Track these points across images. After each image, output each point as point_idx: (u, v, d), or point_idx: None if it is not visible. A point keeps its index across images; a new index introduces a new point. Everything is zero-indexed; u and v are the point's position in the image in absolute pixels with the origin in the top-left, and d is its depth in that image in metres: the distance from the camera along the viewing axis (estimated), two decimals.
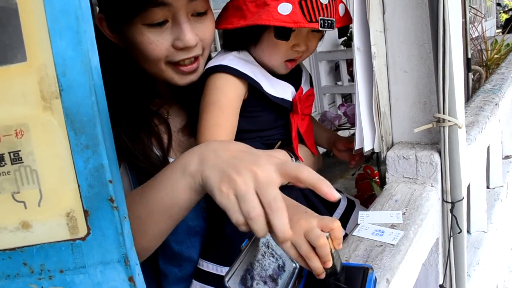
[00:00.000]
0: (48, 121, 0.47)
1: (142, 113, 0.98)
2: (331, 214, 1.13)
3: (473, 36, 2.98)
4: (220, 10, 1.01)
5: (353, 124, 1.52)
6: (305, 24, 0.89)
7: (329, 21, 0.93)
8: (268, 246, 0.64)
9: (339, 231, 0.61)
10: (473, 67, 2.16)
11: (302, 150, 1.07)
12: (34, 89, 0.47)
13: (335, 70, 5.02)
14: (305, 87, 1.09)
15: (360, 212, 0.92)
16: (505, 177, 1.86)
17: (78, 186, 0.48)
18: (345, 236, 1.07)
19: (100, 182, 0.47)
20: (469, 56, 1.92)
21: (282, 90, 1.02)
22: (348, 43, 4.94)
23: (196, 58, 0.93)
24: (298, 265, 0.68)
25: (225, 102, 0.94)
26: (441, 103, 0.92)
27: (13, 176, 0.48)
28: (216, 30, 1.00)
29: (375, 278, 0.67)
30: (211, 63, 0.97)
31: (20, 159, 0.47)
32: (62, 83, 0.46)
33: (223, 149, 0.64)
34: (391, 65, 1.02)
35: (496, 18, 10.59)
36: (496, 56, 2.95)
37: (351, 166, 1.22)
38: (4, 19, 0.46)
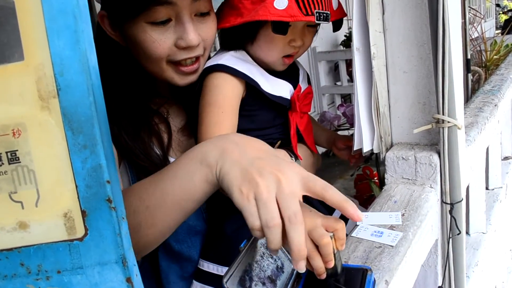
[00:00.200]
0: (45, 121, 0.47)
1: (142, 112, 0.98)
2: (330, 214, 1.13)
3: (473, 37, 2.98)
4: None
5: (352, 125, 1.52)
6: (302, 18, 0.90)
7: (324, 14, 0.94)
8: (266, 247, 0.64)
9: (343, 232, 0.59)
10: (472, 68, 2.16)
11: (301, 150, 1.07)
12: (32, 89, 0.46)
13: (334, 70, 5.02)
14: (303, 85, 1.09)
15: None
16: (504, 178, 1.86)
17: (76, 186, 0.47)
18: None
19: (98, 183, 0.47)
20: (469, 57, 1.92)
21: (280, 88, 1.02)
22: (348, 44, 4.93)
23: (197, 59, 0.94)
24: None
25: (223, 101, 0.94)
26: (441, 104, 0.92)
27: (10, 176, 0.47)
28: None
29: (374, 280, 0.67)
30: (209, 63, 0.97)
31: (17, 159, 0.47)
32: (60, 83, 0.46)
33: (246, 144, 0.62)
34: (390, 65, 1.02)
35: (496, 19, 10.59)
36: (495, 57, 2.95)
37: (351, 164, 1.22)
38: (1, 18, 0.46)
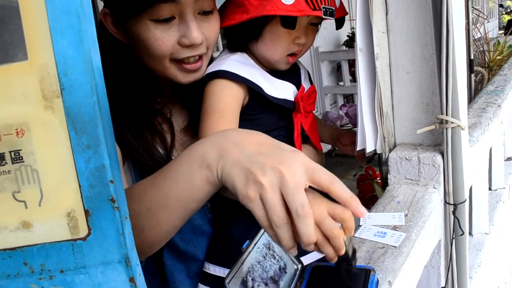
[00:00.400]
0: (49, 121, 0.46)
1: (145, 111, 0.98)
2: None
3: (476, 37, 2.97)
4: None
5: (355, 125, 1.52)
6: (310, 12, 0.91)
7: (330, 10, 0.94)
8: (269, 248, 0.64)
9: (351, 221, 0.58)
10: (475, 68, 2.16)
11: (306, 151, 1.07)
12: (35, 88, 0.46)
13: (337, 70, 5.02)
14: (305, 84, 1.09)
15: None
16: (507, 179, 1.85)
17: (79, 186, 0.47)
18: None
19: (101, 182, 0.47)
20: (472, 57, 1.92)
21: (284, 91, 1.02)
22: (350, 44, 4.93)
23: (200, 57, 0.93)
24: (299, 267, 0.68)
25: (223, 107, 0.94)
26: (444, 104, 0.92)
27: (14, 176, 0.47)
28: None
29: (377, 280, 0.66)
30: (210, 69, 0.96)
31: (20, 158, 0.47)
32: (64, 82, 0.46)
33: (245, 142, 0.60)
34: (394, 65, 1.02)
35: (499, 19, 10.57)
36: (498, 57, 2.94)
37: (356, 158, 1.22)
38: (5, 17, 0.46)
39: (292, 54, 1.01)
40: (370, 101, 1.02)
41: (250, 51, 1.01)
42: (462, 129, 0.93)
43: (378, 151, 1.06)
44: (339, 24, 1.02)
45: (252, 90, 0.97)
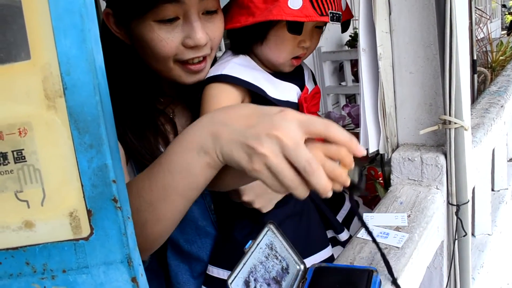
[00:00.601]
0: (51, 120, 0.46)
1: (148, 111, 0.98)
2: (335, 215, 1.13)
3: (478, 38, 2.96)
4: None
5: (357, 125, 1.52)
6: (317, 18, 0.90)
7: (337, 15, 0.93)
8: (271, 248, 0.64)
9: (348, 157, 0.58)
10: (478, 69, 2.15)
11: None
12: (38, 88, 0.46)
13: (339, 70, 5.01)
14: (309, 85, 1.09)
15: (364, 214, 0.92)
16: (510, 180, 1.85)
17: (82, 185, 0.47)
18: (349, 238, 1.07)
19: (103, 182, 0.47)
20: (475, 57, 1.91)
21: (287, 92, 1.01)
22: (352, 44, 4.92)
23: (204, 58, 0.93)
24: (302, 267, 0.68)
25: None
26: (447, 104, 0.92)
27: (16, 175, 0.47)
28: None
29: (380, 281, 0.66)
30: (212, 72, 0.96)
31: (23, 158, 0.47)
32: (66, 82, 0.46)
33: (232, 119, 0.60)
34: (397, 66, 1.02)
35: (501, 19, 10.55)
36: (501, 58, 2.93)
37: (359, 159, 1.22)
38: (8, 16, 0.46)
39: (296, 57, 1.00)
40: (373, 102, 1.02)
41: (254, 53, 1.01)
42: (465, 129, 0.93)
43: (381, 152, 1.05)
44: (345, 28, 1.02)
45: (255, 93, 0.96)
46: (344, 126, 1.68)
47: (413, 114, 1.03)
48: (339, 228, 1.10)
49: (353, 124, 1.68)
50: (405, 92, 1.03)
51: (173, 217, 0.67)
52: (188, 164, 0.62)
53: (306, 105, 1.03)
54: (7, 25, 0.46)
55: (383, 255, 0.68)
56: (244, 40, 1.00)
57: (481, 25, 3.24)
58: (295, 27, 0.91)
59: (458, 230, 0.99)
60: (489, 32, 3.15)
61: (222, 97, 0.93)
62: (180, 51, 0.88)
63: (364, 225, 0.67)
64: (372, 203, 1.41)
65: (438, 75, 0.97)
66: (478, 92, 1.96)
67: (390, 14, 0.99)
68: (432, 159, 0.98)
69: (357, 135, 1.14)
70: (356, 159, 1.20)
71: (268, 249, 0.64)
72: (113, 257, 0.49)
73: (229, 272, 0.97)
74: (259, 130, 0.56)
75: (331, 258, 1.04)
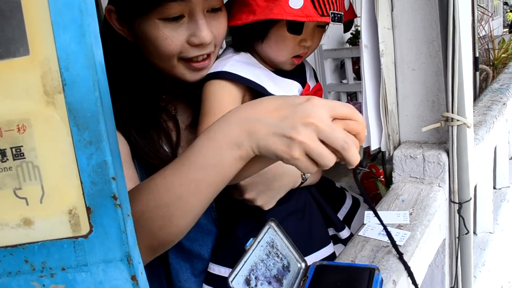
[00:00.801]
0: (51, 116, 0.46)
1: (151, 109, 0.97)
2: (336, 213, 1.12)
3: (480, 35, 2.95)
4: None
5: None
6: (318, 18, 0.89)
7: (339, 15, 0.93)
8: (273, 246, 0.63)
9: (363, 133, 0.64)
10: (480, 66, 2.14)
11: None
12: (37, 84, 0.46)
13: (340, 68, 5.00)
14: (311, 82, 1.08)
15: (366, 212, 0.91)
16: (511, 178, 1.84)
17: (81, 182, 0.47)
18: (350, 236, 1.06)
19: (103, 179, 0.47)
20: (477, 55, 1.90)
21: (288, 89, 1.01)
22: (354, 41, 4.91)
23: (208, 55, 0.92)
24: (303, 265, 0.68)
25: (219, 108, 0.92)
26: (450, 102, 0.91)
27: (15, 172, 0.47)
28: None
29: (382, 279, 0.66)
30: (213, 68, 0.95)
31: (22, 154, 0.47)
32: (65, 78, 0.45)
33: (265, 113, 0.64)
34: (399, 62, 1.01)
35: (503, 17, 10.51)
36: (503, 55, 2.92)
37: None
38: (7, 11, 0.45)
39: (297, 56, 1.00)
40: (374, 99, 1.01)
41: (255, 50, 1.00)
42: (468, 127, 0.93)
43: (383, 149, 1.05)
44: (347, 27, 1.01)
45: (255, 90, 0.96)
46: None
47: (415, 111, 1.03)
48: (340, 226, 1.09)
49: None
50: (407, 89, 1.02)
51: (200, 211, 0.70)
52: (221, 158, 0.65)
53: None
54: (6, 20, 0.45)
55: (388, 234, 0.73)
56: (245, 37, 0.99)
57: (483, 23, 3.23)
58: (295, 27, 0.91)
59: (460, 228, 0.98)
60: (491, 29, 3.14)
61: (223, 94, 0.93)
62: (185, 49, 0.88)
63: (372, 208, 0.73)
64: (373, 201, 1.40)
65: (440, 72, 0.97)
66: (479, 90, 1.96)
67: (392, 10, 0.98)
68: (434, 157, 0.97)
69: None
70: None
71: (269, 247, 0.64)
72: (112, 255, 0.48)
73: (231, 269, 0.98)
74: (294, 121, 0.60)
75: (332, 256, 1.04)
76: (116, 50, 0.95)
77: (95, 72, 0.46)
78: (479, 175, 1.30)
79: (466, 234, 0.99)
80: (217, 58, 1.01)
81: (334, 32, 4.97)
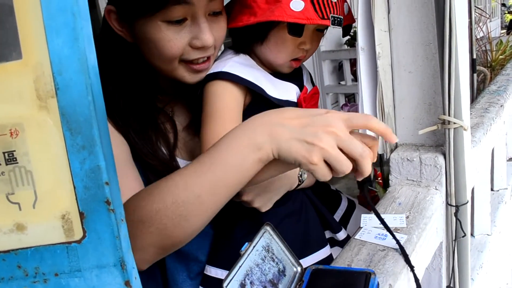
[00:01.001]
0: (43, 121, 0.46)
1: (149, 110, 0.97)
2: (332, 215, 1.12)
3: (478, 37, 2.96)
4: None
5: None
6: (318, 21, 0.89)
7: (339, 19, 0.93)
8: (268, 250, 0.63)
9: (377, 147, 0.69)
10: (478, 68, 2.14)
11: None
12: (30, 88, 0.45)
13: (338, 69, 5.00)
14: (308, 86, 1.08)
15: (362, 215, 0.91)
16: (509, 179, 1.84)
17: (74, 187, 0.46)
18: (347, 238, 1.06)
19: (96, 184, 0.46)
20: (474, 56, 1.90)
21: (286, 92, 1.01)
22: (352, 43, 4.91)
23: (208, 58, 0.93)
24: (299, 269, 0.67)
25: (225, 111, 0.92)
26: (447, 104, 0.91)
27: (8, 177, 0.46)
28: None
29: (378, 283, 0.66)
30: (212, 69, 0.95)
31: (14, 159, 0.46)
32: (58, 82, 0.45)
33: (286, 120, 0.67)
34: (395, 65, 1.01)
35: (501, 18, 10.53)
36: (501, 57, 2.92)
37: None
38: None
39: (296, 59, 1.00)
40: (371, 101, 1.01)
41: (254, 52, 1.00)
42: (465, 129, 0.92)
43: (380, 152, 1.05)
44: (346, 32, 1.01)
45: (254, 91, 0.96)
46: None
47: (412, 114, 1.03)
48: (337, 227, 1.09)
49: None
50: (404, 92, 1.02)
51: (215, 211, 0.73)
52: (242, 159, 0.67)
53: (305, 105, 1.02)
54: None
55: (388, 230, 0.76)
56: (244, 39, 0.99)
57: (480, 24, 3.24)
58: (295, 29, 0.91)
59: (457, 231, 0.98)
60: (489, 31, 3.14)
61: (226, 94, 0.93)
62: (186, 51, 0.89)
63: (382, 222, 0.75)
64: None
65: (437, 75, 0.96)
66: (477, 91, 1.96)
67: (389, 12, 0.98)
68: (431, 160, 0.97)
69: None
70: None
71: (264, 251, 0.63)
72: (106, 261, 0.48)
73: (228, 272, 0.97)
74: (316, 128, 0.64)
75: (329, 258, 1.04)
76: (114, 51, 0.95)
77: (88, 76, 0.45)
78: (476, 177, 1.29)
79: (463, 237, 0.98)
80: (216, 59, 1.01)
81: (332, 34, 4.97)
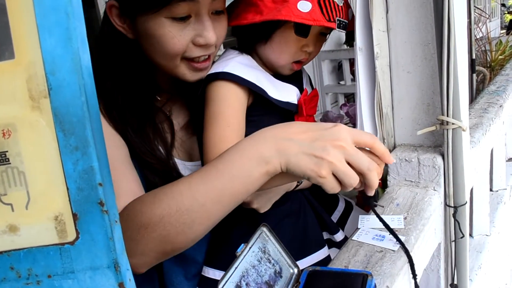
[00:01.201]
0: (36, 122, 0.45)
1: (147, 107, 0.97)
2: (330, 216, 1.12)
3: (477, 37, 2.95)
4: None
5: (355, 125, 1.50)
6: (325, 23, 0.90)
7: (344, 22, 0.94)
8: (264, 252, 0.63)
9: (382, 165, 0.71)
10: (477, 68, 2.14)
11: None
12: (22, 88, 0.45)
13: (337, 69, 4.99)
14: (308, 88, 1.08)
15: (360, 216, 0.90)
16: (508, 180, 1.84)
17: (67, 188, 0.46)
18: (344, 240, 1.06)
19: (89, 185, 0.46)
20: (474, 57, 1.90)
21: (287, 93, 1.00)
22: (351, 43, 4.90)
23: (208, 56, 0.93)
24: (295, 271, 0.67)
25: (230, 113, 0.91)
26: (445, 105, 0.90)
27: (0, 178, 0.46)
28: None
29: (375, 285, 0.65)
30: (214, 69, 0.95)
31: (7, 160, 0.46)
32: (51, 82, 0.44)
33: (294, 135, 0.68)
34: (394, 65, 1.00)
35: (501, 18, 10.52)
36: (500, 57, 2.92)
37: None
38: None
39: (297, 62, 1.00)
40: (369, 101, 1.00)
41: (256, 52, 1.00)
42: (463, 130, 0.92)
43: None
44: (349, 38, 1.01)
45: (256, 92, 0.95)
46: None
47: (411, 114, 1.02)
48: (334, 229, 1.09)
49: (351, 124, 1.67)
50: (402, 92, 1.01)
51: (219, 219, 0.74)
52: (248, 172, 0.69)
53: (305, 107, 1.02)
54: None
55: (393, 234, 0.79)
56: (248, 38, 0.99)
57: (480, 24, 3.23)
58: (302, 30, 0.91)
59: (455, 232, 0.98)
60: (488, 31, 3.14)
61: (230, 96, 0.93)
62: (189, 48, 0.89)
63: (375, 212, 0.78)
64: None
65: (436, 75, 0.96)
66: (477, 92, 1.95)
67: (387, 12, 0.97)
68: (430, 160, 0.97)
69: None
70: None
71: (261, 253, 0.63)
72: (99, 262, 0.47)
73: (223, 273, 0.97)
74: (324, 142, 0.66)
75: (327, 259, 1.03)
76: (114, 47, 0.94)
77: (82, 76, 0.45)
78: (475, 178, 1.29)
79: (462, 238, 0.98)
80: (217, 59, 1.00)
81: (332, 34, 4.96)
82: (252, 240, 0.63)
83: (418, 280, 0.79)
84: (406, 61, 0.99)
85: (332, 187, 0.66)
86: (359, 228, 0.86)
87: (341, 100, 4.87)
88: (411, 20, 0.96)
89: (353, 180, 0.65)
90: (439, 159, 0.96)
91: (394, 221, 0.87)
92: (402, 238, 0.81)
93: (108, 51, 0.95)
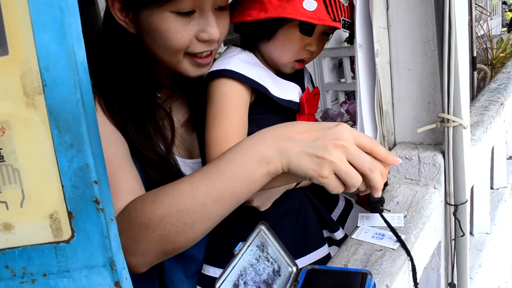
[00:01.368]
0: (30, 118, 0.45)
1: (148, 102, 0.96)
2: (330, 214, 1.11)
3: (479, 35, 2.94)
4: None
5: (355, 122, 1.50)
6: (330, 22, 0.89)
7: (348, 23, 0.94)
8: (263, 250, 0.62)
9: (388, 168, 0.71)
10: (478, 66, 2.13)
11: None
12: (17, 85, 0.44)
13: (338, 67, 4.98)
14: (309, 86, 1.08)
15: (360, 214, 0.90)
16: (509, 178, 1.83)
17: (62, 186, 0.45)
18: (344, 238, 1.05)
19: (84, 183, 0.45)
20: (475, 54, 1.89)
21: (289, 92, 1.00)
22: (352, 40, 4.88)
23: (211, 52, 0.93)
24: (294, 269, 0.66)
25: (232, 112, 0.90)
26: (446, 102, 0.90)
27: None
28: None
29: (374, 284, 0.64)
30: (216, 66, 0.94)
31: (1, 157, 0.45)
32: (46, 79, 0.44)
33: (296, 135, 0.68)
34: (394, 62, 1.00)
35: (502, 16, 10.50)
36: (501, 54, 2.91)
37: None
38: None
39: (300, 60, 0.99)
40: (369, 99, 1.00)
41: (259, 50, 0.99)
42: (464, 128, 0.91)
43: None
44: (352, 39, 1.01)
45: (258, 91, 0.94)
46: None
47: (411, 112, 1.01)
48: (334, 227, 1.08)
49: (351, 121, 1.66)
50: (403, 89, 1.01)
51: (220, 219, 0.73)
52: (250, 172, 0.68)
53: (307, 105, 1.01)
54: None
55: (387, 223, 0.79)
56: (251, 35, 0.98)
57: (481, 22, 3.22)
58: (307, 28, 0.91)
59: (456, 230, 0.97)
60: (490, 29, 3.13)
61: (233, 94, 0.92)
62: (193, 44, 0.88)
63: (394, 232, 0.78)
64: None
65: (436, 72, 0.95)
66: (478, 89, 1.95)
67: (387, 9, 0.96)
68: (430, 158, 0.96)
69: None
70: None
71: (259, 251, 0.62)
72: (95, 261, 0.47)
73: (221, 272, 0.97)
74: (325, 142, 0.65)
75: (328, 257, 1.03)
76: (116, 42, 0.93)
77: (77, 72, 0.44)
78: (476, 176, 1.28)
79: (462, 236, 0.97)
80: (219, 56, 1.00)
81: None
82: (250, 238, 0.62)
83: (418, 279, 0.78)
84: (407, 58, 0.98)
85: (334, 186, 0.66)
86: (359, 227, 0.86)
87: (342, 98, 4.86)
88: (412, 17, 0.95)
89: (355, 180, 0.65)
90: (439, 157, 0.95)
91: (394, 219, 0.87)
92: (402, 236, 0.80)
93: (109, 46, 0.94)
